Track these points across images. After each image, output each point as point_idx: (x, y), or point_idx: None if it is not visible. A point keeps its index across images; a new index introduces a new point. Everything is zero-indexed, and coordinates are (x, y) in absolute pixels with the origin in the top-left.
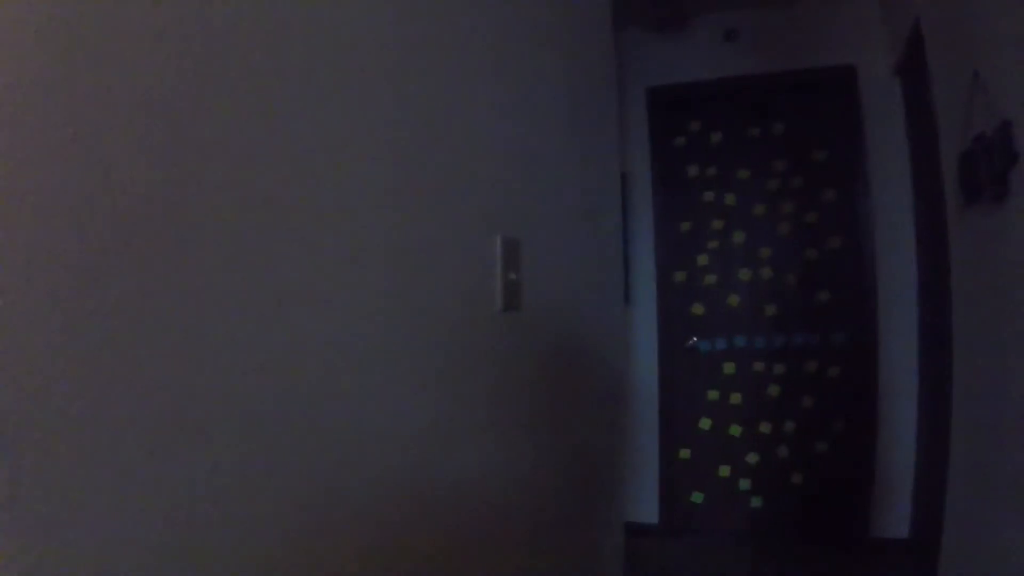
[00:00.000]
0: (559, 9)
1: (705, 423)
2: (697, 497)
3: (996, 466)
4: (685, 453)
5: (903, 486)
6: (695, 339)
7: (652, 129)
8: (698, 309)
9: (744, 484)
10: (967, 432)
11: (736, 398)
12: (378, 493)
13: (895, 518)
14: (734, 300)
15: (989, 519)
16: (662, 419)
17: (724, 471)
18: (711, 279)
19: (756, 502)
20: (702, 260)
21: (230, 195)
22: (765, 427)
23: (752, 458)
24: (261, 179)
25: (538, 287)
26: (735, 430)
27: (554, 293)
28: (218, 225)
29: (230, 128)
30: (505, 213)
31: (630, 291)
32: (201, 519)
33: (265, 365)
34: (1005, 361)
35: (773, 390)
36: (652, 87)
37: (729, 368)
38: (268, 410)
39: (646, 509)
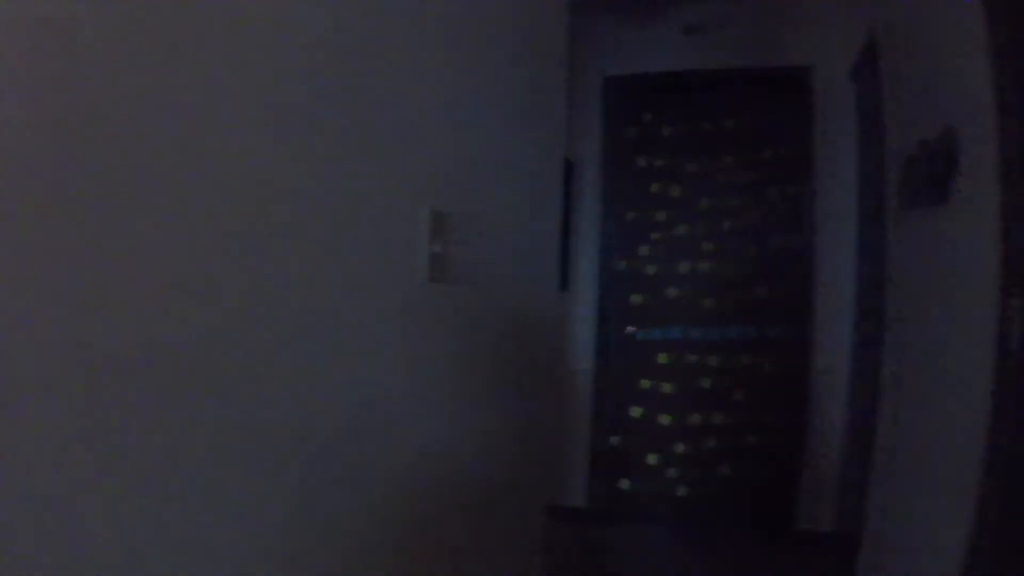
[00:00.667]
0: None
1: (636, 411)
2: (625, 483)
3: (918, 465)
4: (615, 439)
5: (830, 481)
6: (632, 327)
7: (605, 117)
8: (637, 299)
9: (672, 473)
10: (892, 431)
11: (668, 387)
12: (284, 472)
13: (821, 511)
14: (673, 291)
15: (909, 516)
16: (595, 404)
17: (653, 459)
18: (652, 269)
19: (683, 491)
20: (644, 250)
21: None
22: (695, 417)
23: (681, 447)
24: (162, 151)
25: (468, 261)
26: (665, 419)
27: (485, 269)
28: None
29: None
30: (437, 185)
31: (570, 277)
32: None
33: (182, 337)
34: (933, 363)
35: (705, 382)
36: (609, 76)
37: (663, 358)
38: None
39: (574, 493)
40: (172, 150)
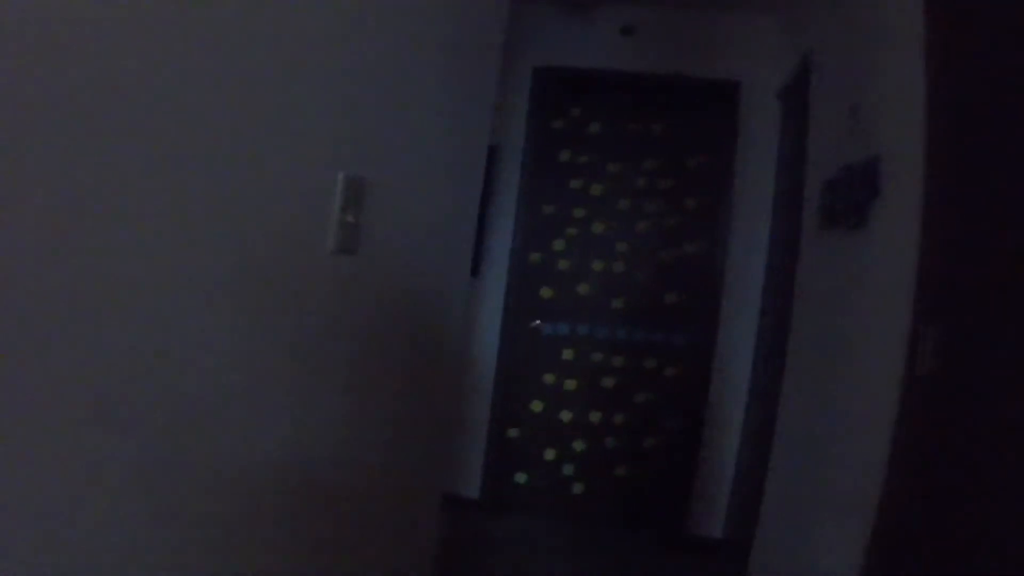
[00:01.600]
0: None
1: (537, 405)
2: (520, 477)
3: (811, 477)
4: (513, 432)
5: (722, 488)
6: (539, 321)
7: (532, 108)
8: (547, 292)
9: (568, 469)
10: (787, 442)
11: (571, 384)
12: (166, 461)
13: (712, 518)
14: (584, 288)
15: (800, 526)
16: (495, 395)
17: (550, 454)
18: (564, 264)
19: (578, 488)
20: (558, 245)
21: None
22: (595, 416)
23: (579, 445)
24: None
25: (379, 232)
26: (566, 416)
27: (397, 243)
28: None
29: None
30: (354, 152)
31: (480, 263)
32: None
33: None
34: (831, 378)
35: (608, 381)
36: (540, 67)
37: (568, 354)
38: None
39: (469, 483)
40: (57, 107)
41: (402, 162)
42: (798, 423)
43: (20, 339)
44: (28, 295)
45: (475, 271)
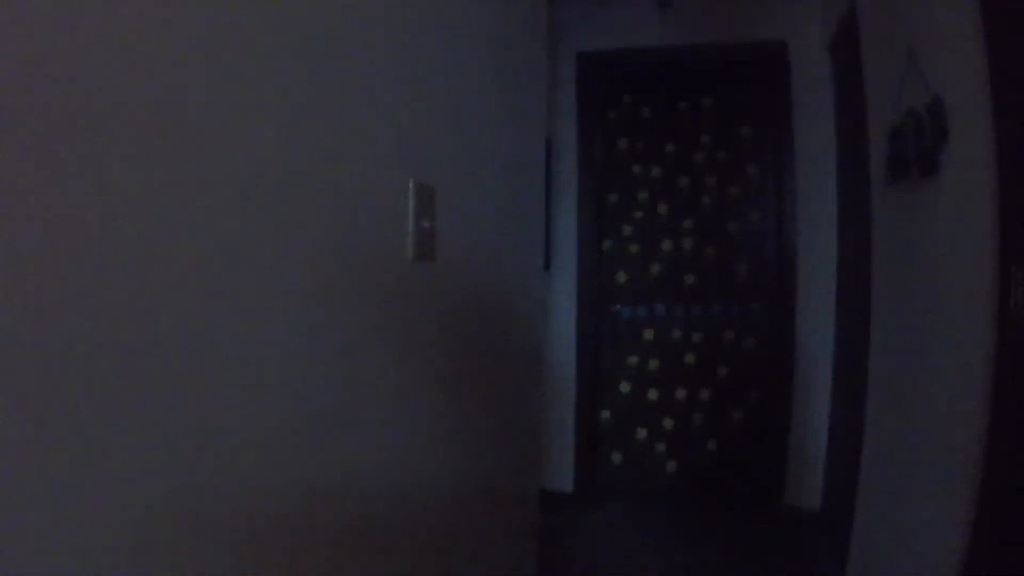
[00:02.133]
0: None
1: (625, 387)
2: (616, 457)
3: (909, 438)
4: (606, 415)
5: (816, 458)
6: (619, 306)
7: (580, 95)
8: (621, 277)
9: (660, 448)
10: (881, 403)
11: (654, 364)
12: (266, 480)
13: (809, 488)
14: (656, 269)
15: (901, 493)
16: (580, 383)
17: (642, 434)
18: (635, 248)
19: (671, 466)
20: (627, 230)
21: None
22: (681, 393)
23: (668, 423)
24: (135, 115)
25: (454, 237)
26: (652, 395)
27: (471, 246)
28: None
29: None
30: (422, 158)
31: (551, 256)
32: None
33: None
34: (921, 334)
35: (690, 358)
36: (582, 52)
37: (649, 334)
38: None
39: (561, 477)
40: (138, 126)
41: (467, 163)
42: (890, 382)
43: (121, 369)
44: (127, 319)
45: (546, 265)
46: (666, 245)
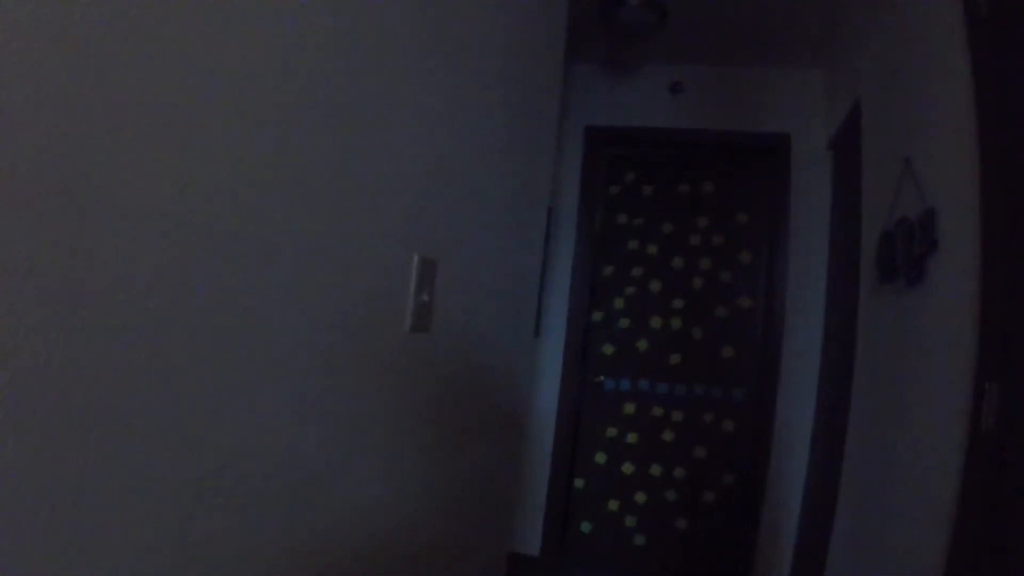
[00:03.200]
0: (513, 34)
1: (601, 457)
2: (586, 526)
3: (876, 536)
4: (580, 483)
5: (786, 546)
6: (602, 377)
7: (584, 168)
8: (608, 349)
9: (630, 521)
10: (851, 500)
11: (633, 437)
12: (257, 529)
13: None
14: (643, 345)
15: None
16: (556, 449)
17: (613, 505)
18: (624, 322)
19: (640, 540)
20: (618, 303)
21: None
22: (656, 469)
23: (640, 497)
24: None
25: (450, 309)
26: (628, 468)
27: (466, 316)
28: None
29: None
30: (425, 230)
31: (541, 322)
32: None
33: (144, 378)
34: (894, 436)
35: (668, 435)
36: (590, 125)
37: (630, 408)
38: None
39: (529, 540)
40: (154, 196)
41: (470, 236)
42: (862, 481)
43: (131, 422)
44: (134, 380)
45: (536, 331)
46: (655, 322)
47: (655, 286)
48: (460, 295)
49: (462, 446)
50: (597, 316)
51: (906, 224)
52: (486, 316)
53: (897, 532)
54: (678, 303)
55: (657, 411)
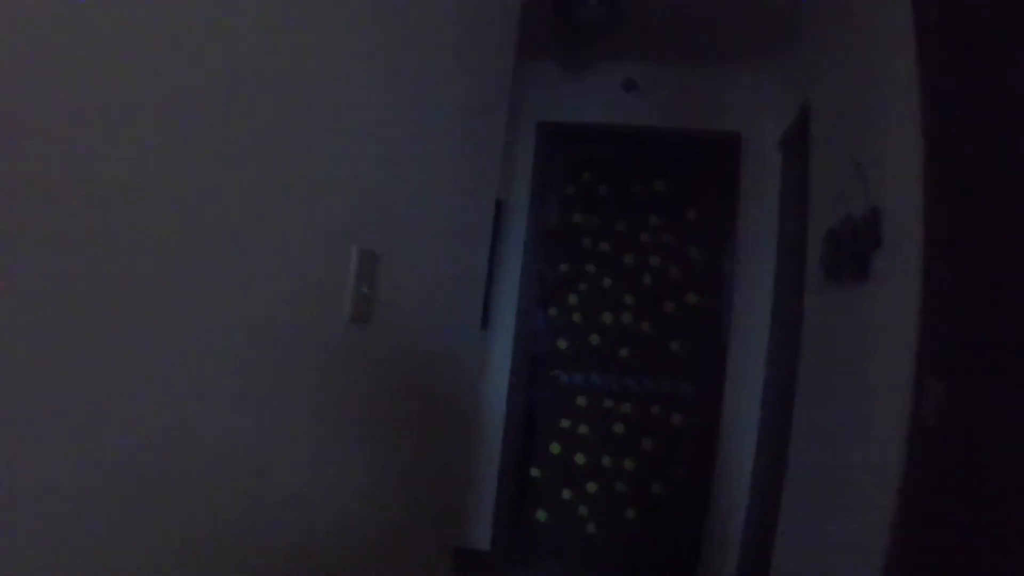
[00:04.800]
0: (463, 28)
1: (556, 448)
2: (542, 515)
3: (822, 529)
4: (536, 472)
5: (733, 539)
6: (558, 371)
7: (536, 163)
8: (562, 343)
9: (583, 510)
10: (797, 493)
11: (584, 429)
12: (200, 521)
13: (724, 568)
14: (595, 339)
15: None
16: (505, 443)
17: (567, 494)
18: (577, 317)
19: (591, 528)
20: (572, 299)
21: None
22: (607, 460)
23: (592, 487)
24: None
25: (393, 300)
26: (580, 459)
27: (409, 308)
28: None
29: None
30: (367, 224)
31: (490, 316)
32: None
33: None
34: (838, 430)
35: (618, 427)
36: (543, 121)
37: (582, 401)
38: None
39: (479, 534)
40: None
41: (415, 229)
42: (808, 475)
43: (65, 421)
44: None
45: (485, 323)
46: (606, 317)
47: (607, 282)
48: (403, 287)
49: (406, 436)
50: (552, 311)
51: (851, 222)
52: (431, 308)
53: (840, 527)
54: (628, 298)
55: (608, 403)
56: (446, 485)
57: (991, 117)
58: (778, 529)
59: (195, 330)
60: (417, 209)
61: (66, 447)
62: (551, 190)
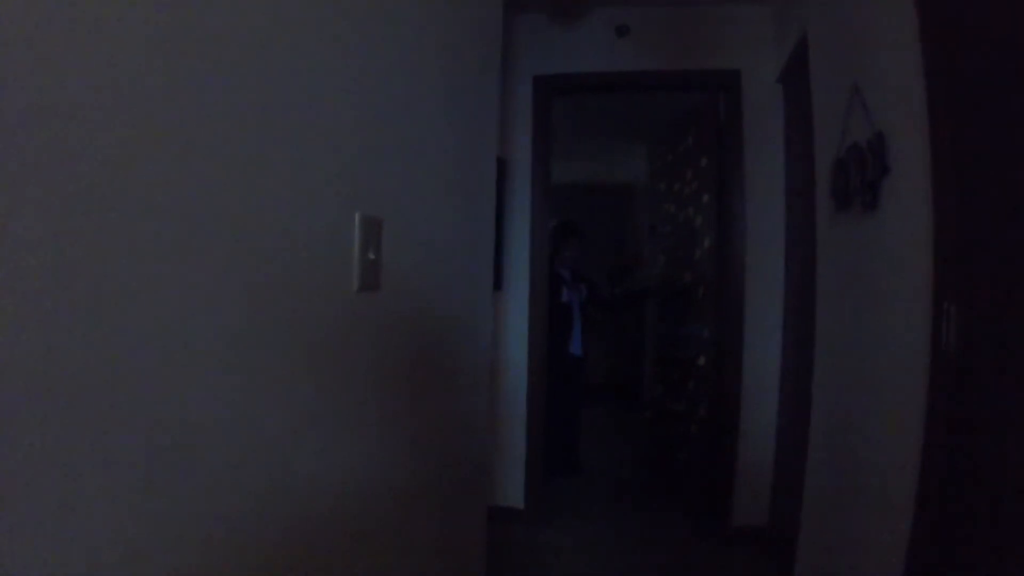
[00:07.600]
0: None
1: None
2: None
3: (849, 461)
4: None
5: (763, 476)
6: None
7: (535, 117)
8: None
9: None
10: (823, 428)
11: None
12: (219, 498)
13: (756, 507)
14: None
15: (843, 512)
16: (530, 404)
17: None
18: None
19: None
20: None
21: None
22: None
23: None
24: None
25: (400, 266)
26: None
27: (418, 272)
28: None
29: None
30: (368, 189)
31: (503, 275)
32: None
33: (80, 360)
34: (862, 360)
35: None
36: (539, 75)
37: None
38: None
39: (512, 493)
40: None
41: (416, 191)
42: (832, 407)
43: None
44: (67, 369)
45: (497, 285)
46: None
47: None
48: (410, 252)
49: (425, 404)
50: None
51: (857, 150)
52: (440, 272)
53: (869, 458)
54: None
55: None
56: (471, 445)
57: (992, 30)
58: (807, 465)
59: (198, 313)
60: (418, 172)
61: (62, 426)
62: (552, 144)
